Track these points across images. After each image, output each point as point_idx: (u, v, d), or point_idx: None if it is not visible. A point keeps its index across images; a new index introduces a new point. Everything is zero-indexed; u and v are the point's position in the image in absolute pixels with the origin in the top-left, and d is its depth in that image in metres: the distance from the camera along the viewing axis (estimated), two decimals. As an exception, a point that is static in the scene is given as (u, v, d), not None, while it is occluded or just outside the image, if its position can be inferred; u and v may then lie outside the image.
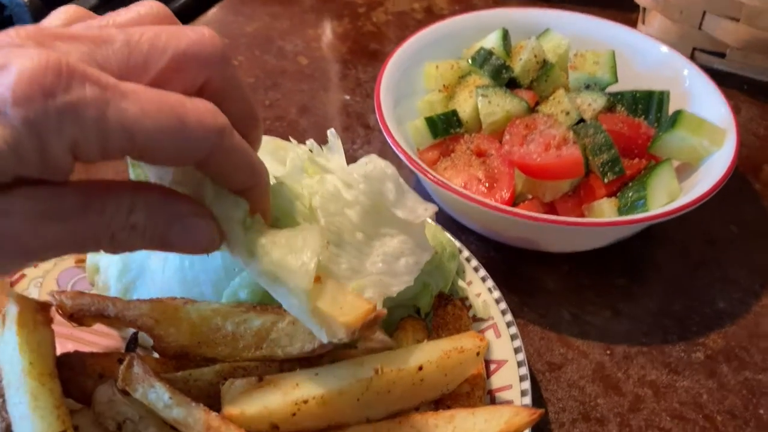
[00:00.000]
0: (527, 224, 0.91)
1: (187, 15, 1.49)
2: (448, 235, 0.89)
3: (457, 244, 0.89)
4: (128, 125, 0.46)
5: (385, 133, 0.98)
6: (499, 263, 1.01)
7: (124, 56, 0.49)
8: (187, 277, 0.73)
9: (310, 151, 0.75)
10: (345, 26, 1.51)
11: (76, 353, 0.67)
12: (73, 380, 0.65)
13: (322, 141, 0.76)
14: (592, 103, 1.07)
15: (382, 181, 0.67)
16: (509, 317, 0.83)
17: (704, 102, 1.08)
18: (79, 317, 0.67)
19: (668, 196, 0.96)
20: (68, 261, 0.88)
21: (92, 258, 0.84)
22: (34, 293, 0.84)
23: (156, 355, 0.68)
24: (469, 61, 1.13)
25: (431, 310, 0.81)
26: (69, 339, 0.78)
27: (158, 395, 0.59)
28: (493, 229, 1.01)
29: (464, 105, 1.08)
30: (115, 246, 0.51)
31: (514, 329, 0.82)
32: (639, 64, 1.17)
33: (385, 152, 1.02)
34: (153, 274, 0.76)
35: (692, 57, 1.36)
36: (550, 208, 1.00)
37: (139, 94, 0.47)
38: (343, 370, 0.64)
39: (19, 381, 0.60)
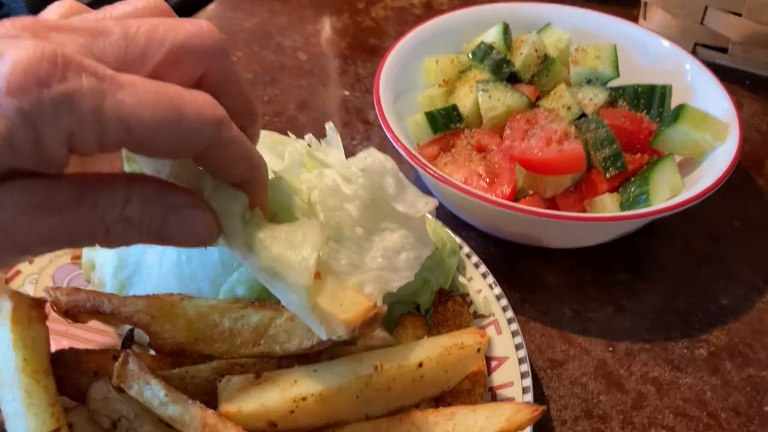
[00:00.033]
0: (528, 219, 0.90)
1: (185, 11, 1.49)
2: (449, 231, 0.88)
3: (458, 240, 0.88)
4: (125, 116, 0.45)
5: (384, 128, 0.97)
6: (499, 259, 1.00)
7: (122, 48, 0.49)
8: (184, 272, 0.72)
9: (309, 146, 0.74)
10: (344, 22, 1.50)
11: (71, 350, 0.66)
12: (67, 377, 0.64)
13: (321, 137, 0.75)
14: (593, 97, 1.06)
15: (382, 175, 0.66)
16: (510, 314, 0.82)
17: (706, 96, 1.07)
18: (74, 314, 0.66)
19: (671, 191, 0.95)
20: (64, 258, 0.87)
21: (88, 254, 0.83)
22: (30, 290, 0.83)
23: (152, 352, 0.67)
24: (470, 55, 1.12)
25: (431, 306, 0.80)
26: (64, 336, 0.77)
27: (154, 392, 0.58)
28: (493, 225, 1.00)
29: (465, 100, 1.07)
30: (110, 239, 0.50)
31: (515, 326, 0.81)
32: (641, 59, 1.16)
33: (385, 148, 1.01)
34: (149, 270, 0.75)
35: (694, 52, 1.35)
36: (552, 203, 0.99)
37: (136, 85, 0.46)
38: (342, 367, 0.63)
39: (13, 378, 0.59)
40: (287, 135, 0.78)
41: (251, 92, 0.59)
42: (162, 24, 0.51)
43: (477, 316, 0.83)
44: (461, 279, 0.85)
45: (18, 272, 0.85)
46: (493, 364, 0.78)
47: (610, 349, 0.91)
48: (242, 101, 0.57)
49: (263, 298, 0.68)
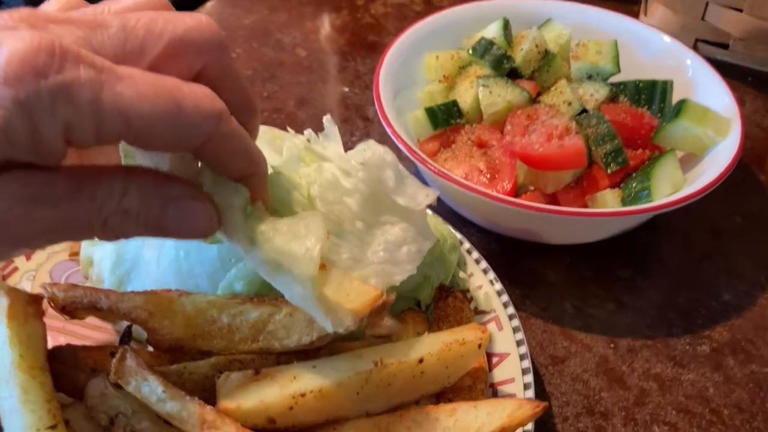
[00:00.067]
0: (529, 215, 0.90)
1: (184, 7, 1.46)
2: (449, 227, 0.87)
3: (458, 236, 0.87)
4: (124, 108, 0.45)
5: (384, 124, 0.96)
6: (500, 255, 1.00)
7: (120, 41, 0.49)
8: (182, 268, 0.72)
9: (308, 141, 0.73)
10: (343, 18, 1.49)
11: (68, 346, 0.66)
12: (64, 374, 0.63)
13: (321, 133, 0.74)
14: (594, 93, 1.06)
15: (382, 167, 0.66)
16: (511, 309, 0.82)
17: (708, 92, 1.06)
18: (71, 310, 0.65)
19: (672, 186, 0.94)
20: (62, 254, 0.87)
21: (86, 250, 0.82)
22: (27, 286, 0.82)
23: (150, 348, 0.66)
24: (470, 51, 1.11)
25: (432, 302, 0.79)
26: (61, 333, 0.77)
27: (151, 389, 0.58)
28: (494, 221, 0.99)
29: (465, 95, 1.06)
30: (108, 232, 0.49)
31: (516, 322, 0.80)
32: (641, 54, 1.15)
33: (385, 144, 1.00)
34: (147, 265, 0.75)
35: (695, 48, 1.34)
36: (552, 199, 0.98)
37: (135, 77, 0.46)
38: (342, 363, 0.63)
39: (9, 374, 0.58)
40: (286, 131, 0.77)
41: (250, 89, 0.59)
42: (161, 17, 0.51)
43: (478, 312, 0.82)
44: (462, 275, 0.85)
45: (15, 269, 0.84)
46: (494, 360, 0.78)
47: (612, 345, 0.90)
48: (241, 96, 0.57)
49: (262, 294, 0.67)
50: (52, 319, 0.67)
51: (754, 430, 0.82)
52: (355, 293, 0.56)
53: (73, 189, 0.47)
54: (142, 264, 0.76)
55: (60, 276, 0.85)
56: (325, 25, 1.48)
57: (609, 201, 0.94)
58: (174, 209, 0.51)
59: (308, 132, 0.74)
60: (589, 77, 1.10)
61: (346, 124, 1.21)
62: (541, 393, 0.84)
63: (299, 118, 1.23)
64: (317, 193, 0.67)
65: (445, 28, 1.15)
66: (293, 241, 0.55)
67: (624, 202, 0.95)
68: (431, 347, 0.65)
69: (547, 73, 1.10)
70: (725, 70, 1.10)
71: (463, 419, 0.62)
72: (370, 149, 0.67)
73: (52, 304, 0.65)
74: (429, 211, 0.85)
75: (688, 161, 1.01)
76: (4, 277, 0.83)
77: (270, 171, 0.66)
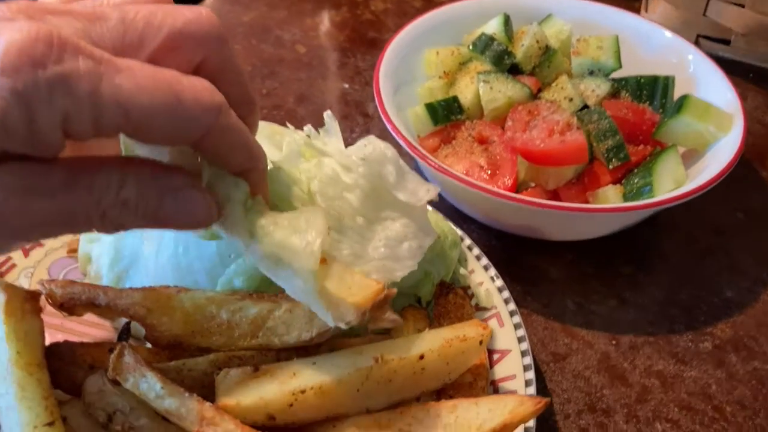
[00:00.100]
0: (530, 211, 0.89)
1: (184, 2, 1.47)
2: (450, 223, 0.86)
3: (459, 232, 0.87)
4: (123, 100, 0.44)
5: (384, 119, 0.96)
6: (500, 252, 0.99)
7: (119, 33, 0.48)
8: (181, 264, 0.71)
9: (308, 136, 0.72)
10: (343, 15, 1.48)
11: (66, 343, 0.65)
12: (62, 370, 0.63)
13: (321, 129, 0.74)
14: (595, 89, 1.05)
15: (382, 163, 0.65)
16: (512, 306, 0.81)
17: (710, 87, 1.06)
18: (69, 306, 0.65)
19: (674, 182, 0.94)
20: (60, 251, 0.86)
21: (84, 247, 0.82)
22: (25, 284, 0.82)
23: (149, 345, 0.66)
24: (470, 47, 1.11)
25: (432, 299, 0.79)
26: (59, 330, 0.76)
27: (150, 385, 0.57)
28: (495, 217, 0.99)
29: (465, 91, 1.05)
30: (106, 224, 0.49)
31: (517, 318, 0.80)
32: (643, 50, 1.14)
33: (385, 140, 1.00)
34: (146, 262, 0.74)
35: (696, 44, 1.33)
36: (554, 195, 0.98)
37: (134, 69, 0.46)
38: (342, 359, 0.62)
39: (6, 371, 0.58)
40: (286, 126, 0.76)
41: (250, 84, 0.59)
42: (160, 10, 0.51)
43: (479, 308, 0.82)
44: (462, 271, 0.84)
45: (13, 266, 0.84)
46: (495, 357, 0.77)
47: (614, 342, 0.90)
48: (241, 89, 0.57)
49: (262, 290, 0.67)
50: (50, 316, 0.67)
51: (757, 427, 0.81)
52: (357, 287, 0.56)
53: (69, 180, 0.46)
54: (141, 260, 0.75)
55: (58, 273, 0.84)
56: (325, 21, 1.47)
57: (611, 197, 0.94)
58: (172, 199, 0.51)
59: (308, 128, 0.73)
60: (591, 73, 1.09)
61: (345, 121, 1.21)
62: (542, 390, 0.83)
63: (299, 114, 1.22)
64: (317, 189, 0.66)
65: (446, 24, 1.15)
66: (294, 235, 0.54)
67: (626, 198, 0.94)
68: (432, 343, 0.65)
69: (548, 69, 1.09)
70: (726, 66, 1.09)
71: (464, 416, 0.62)
72: (370, 144, 0.67)
73: (50, 301, 0.64)
74: (429, 208, 0.84)
75: (690, 157, 1.00)
76: (2, 274, 0.82)
77: (270, 166, 0.66)
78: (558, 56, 1.10)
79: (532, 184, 0.98)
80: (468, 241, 0.87)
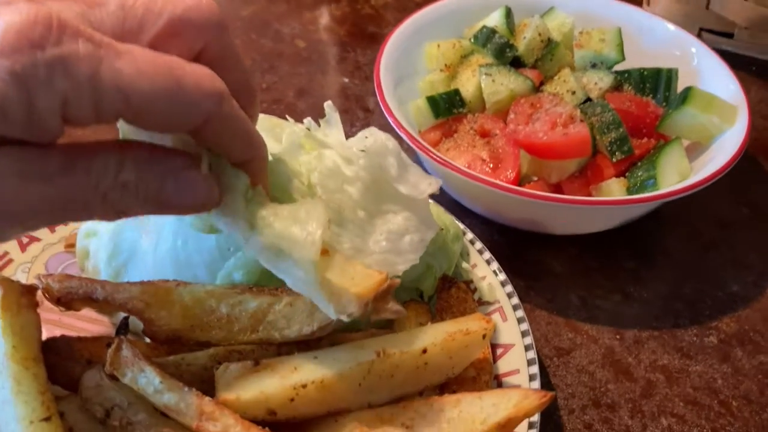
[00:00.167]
0: (533, 204, 0.88)
1: None
2: (452, 217, 0.85)
3: (461, 226, 0.86)
4: (123, 85, 0.44)
5: (385, 112, 0.95)
6: (503, 246, 0.98)
7: (119, 19, 0.48)
8: (180, 258, 0.70)
9: (308, 129, 0.71)
10: (343, 9, 1.47)
11: (63, 337, 0.64)
12: (59, 365, 0.62)
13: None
14: (598, 81, 1.04)
15: (383, 155, 0.64)
16: (515, 300, 0.80)
17: (713, 80, 1.05)
18: (66, 301, 0.64)
19: (679, 175, 0.93)
20: (57, 246, 0.85)
21: (82, 242, 0.81)
22: (22, 278, 0.81)
23: (147, 340, 0.65)
24: (472, 40, 1.10)
25: (435, 293, 0.78)
26: (57, 325, 0.75)
27: (148, 380, 0.56)
28: (497, 211, 0.98)
29: (467, 84, 1.04)
30: (107, 208, 0.48)
31: (520, 312, 0.79)
32: (646, 43, 1.13)
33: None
34: (144, 255, 0.73)
35: (699, 38, 1.32)
36: (557, 189, 0.97)
37: (134, 53, 0.45)
38: (344, 353, 0.61)
39: (2, 365, 0.57)
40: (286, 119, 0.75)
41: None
42: None
43: (482, 302, 0.81)
44: (465, 265, 0.83)
45: (10, 260, 0.83)
46: (499, 351, 0.76)
47: (618, 336, 0.89)
48: (241, 77, 0.56)
49: (262, 284, 0.66)
50: (48, 312, 0.66)
51: (764, 422, 0.81)
52: (359, 277, 0.55)
53: (67, 164, 0.46)
54: (139, 254, 0.74)
55: (56, 268, 0.83)
56: (325, 15, 1.46)
57: (614, 190, 0.93)
58: (173, 181, 0.50)
59: (308, 120, 0.73)
60: (593, 66, 1.08)
61: (346, 115, 1.20)
62: (546, 385, 0.83)
63: (299, 108, 1.21)
64: (318, 181, 0.65)
65: (447, 17, 1.14)
66: (294, 226, 0.53)
67: (630, 192, 0.93)
68: (435, 337, 0.64)
69: (550, 62, 1.08)
70: (729, 59, 1.08)
71: (468, 410, 0.61)
72: (372, 136, 0.66)
73: (47, 295, 0.63)
74: (431, 201, 0.83)
75: (694, 150, 0.99)
76: (-1, 269, 0.81)
77: (270, 158, 0.65)
78: (560, 49, 1.08)
79: (535, 178, 0.97)
80: (470, 236, 0.86)
